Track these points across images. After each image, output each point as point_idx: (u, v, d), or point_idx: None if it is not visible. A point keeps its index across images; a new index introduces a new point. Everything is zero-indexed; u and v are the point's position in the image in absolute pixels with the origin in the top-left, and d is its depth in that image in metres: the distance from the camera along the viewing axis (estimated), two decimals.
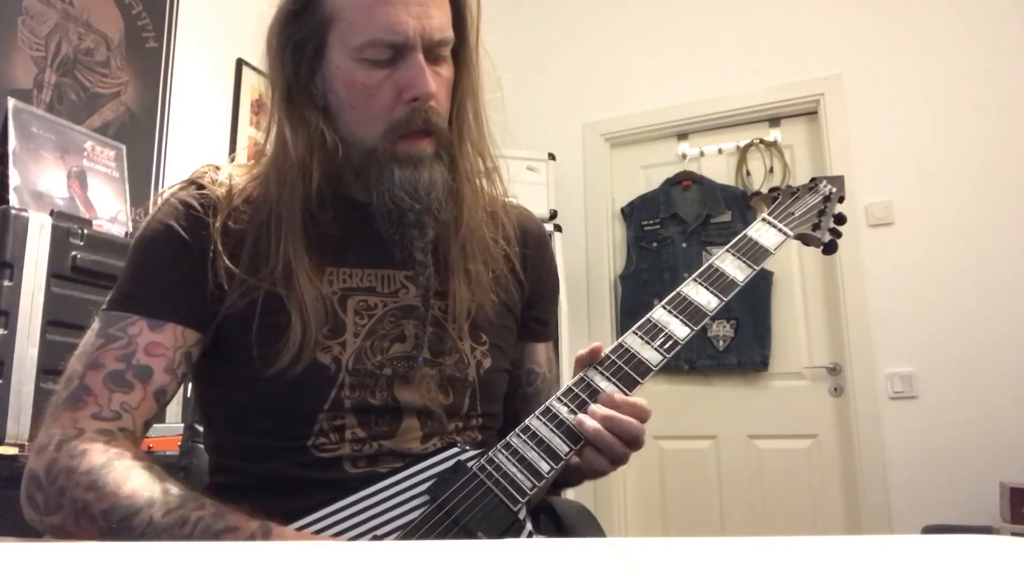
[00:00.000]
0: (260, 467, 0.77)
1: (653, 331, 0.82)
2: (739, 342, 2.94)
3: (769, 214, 0.96)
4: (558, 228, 3.01)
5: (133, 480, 0.66)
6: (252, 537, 0.63)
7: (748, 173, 3.09)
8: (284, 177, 0.80)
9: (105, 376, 0.72)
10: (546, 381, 0.97)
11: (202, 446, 1.03)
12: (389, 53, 0.77)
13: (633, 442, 0.75)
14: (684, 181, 3.14)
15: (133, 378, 0.73)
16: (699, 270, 0.87)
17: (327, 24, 0.79)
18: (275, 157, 0.82)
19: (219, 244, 0.78)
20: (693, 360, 2.97)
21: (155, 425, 0.79)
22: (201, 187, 0.82)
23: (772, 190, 1.02)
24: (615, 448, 0.74)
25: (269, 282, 0.77)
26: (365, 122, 0.80)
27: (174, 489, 0.67)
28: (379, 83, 0.78)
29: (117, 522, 0.64)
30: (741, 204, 3.05)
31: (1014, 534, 1.98)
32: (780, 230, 0.93)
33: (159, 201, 0.82)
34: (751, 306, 2.94)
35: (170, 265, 0.78)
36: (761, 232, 0.92)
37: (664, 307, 0.84)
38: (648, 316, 0.83)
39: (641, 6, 3.32)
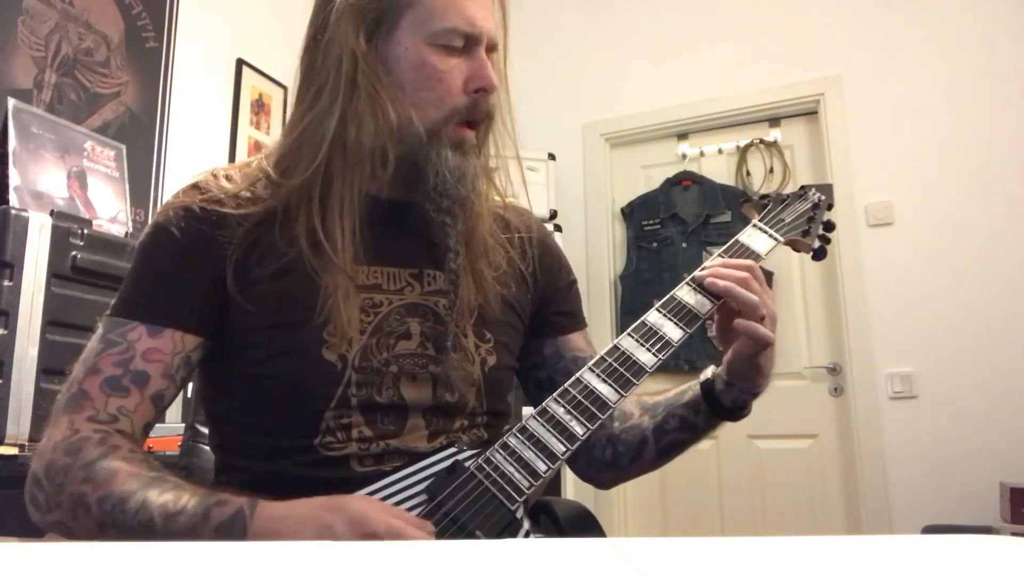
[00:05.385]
0: (267, 466, 0.77)
1: (648, 333, 0.83)
2: None
3: (760, 220, 0.98)
4: (558, 228, 3.01)
5: (127, 468, 0.68)
6: (240, 508, 0.64)
7: (748, 173, 3.09)
8: (351, 160, 0.79)
9: (102, 381, 0.74)
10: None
11: (203, 446, 1.03)
12: (462, 43, 0.80)
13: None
14: (684, 181, 3.15)
15: (130, 383, 0.74)
16: (692, 274, 0.89)
17: (405, 6, 0.80)
18: (319, 138, 0.79)
19: (228, 242, 0.78)
20: (693, 360, 2.96)
21: (155, 425, 0.79)
22: (203, 191, 0.81)
23: (762, 197, 1.04)
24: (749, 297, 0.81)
25: (296, 272, 0.77)
26: (426, 105, 0.81)
27: (168, 474, 0.69)
28: (450, 69, 0.80)
29: (111, 507, 0.65)
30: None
31: (1014, 534, 1.98)
32: (771, 236, 0.95)
33: (161, 207, 0.83)
34: None
35: (169, 270, 0.78)
36: (752, 237, 0.94)
37: (658, 310, 0.85)
38: (643, 319, 0.85)
39: (641, 6, 3.32)
